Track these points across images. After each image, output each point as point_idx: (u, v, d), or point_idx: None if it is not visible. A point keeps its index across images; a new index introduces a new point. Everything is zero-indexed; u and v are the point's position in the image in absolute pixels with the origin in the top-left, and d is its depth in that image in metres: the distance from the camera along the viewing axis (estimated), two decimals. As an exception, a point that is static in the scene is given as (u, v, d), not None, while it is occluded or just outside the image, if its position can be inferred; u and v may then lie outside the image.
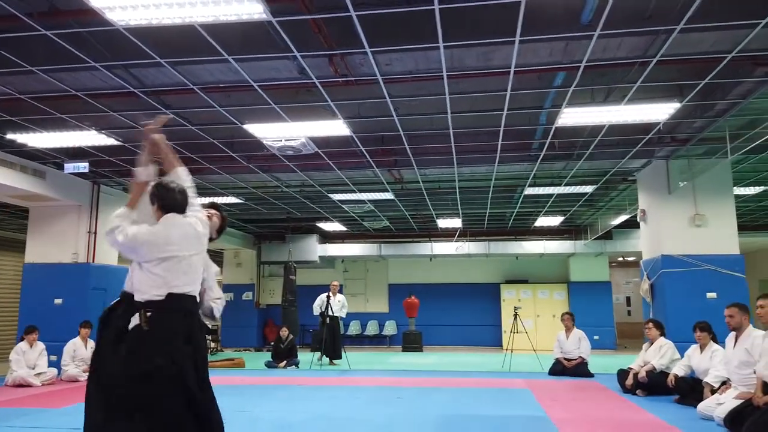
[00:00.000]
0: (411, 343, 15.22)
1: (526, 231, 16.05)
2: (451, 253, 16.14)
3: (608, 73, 5.62)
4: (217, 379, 7.96)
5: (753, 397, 4.52)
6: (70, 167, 8.20)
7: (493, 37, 4.64)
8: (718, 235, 8.23)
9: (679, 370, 6.37)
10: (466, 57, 5.11)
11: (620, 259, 19.05)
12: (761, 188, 10.53)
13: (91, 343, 8.84)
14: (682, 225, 8.34)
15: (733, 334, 5.28)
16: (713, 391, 5.61)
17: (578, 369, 8.71)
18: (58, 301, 9.31)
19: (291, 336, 11.02)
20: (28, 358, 7.95)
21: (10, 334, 13.37)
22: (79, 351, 8.58)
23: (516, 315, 10.73)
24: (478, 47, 4.88)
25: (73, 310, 9.21)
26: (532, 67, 5.26)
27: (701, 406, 5.32)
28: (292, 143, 7.40)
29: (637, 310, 19.72)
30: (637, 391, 6.73)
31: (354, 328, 17.78)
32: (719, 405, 5.03)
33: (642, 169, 9.13)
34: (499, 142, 7.58)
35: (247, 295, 17.61)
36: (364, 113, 6.60)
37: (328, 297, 10.85)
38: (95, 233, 9.61)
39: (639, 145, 7.76)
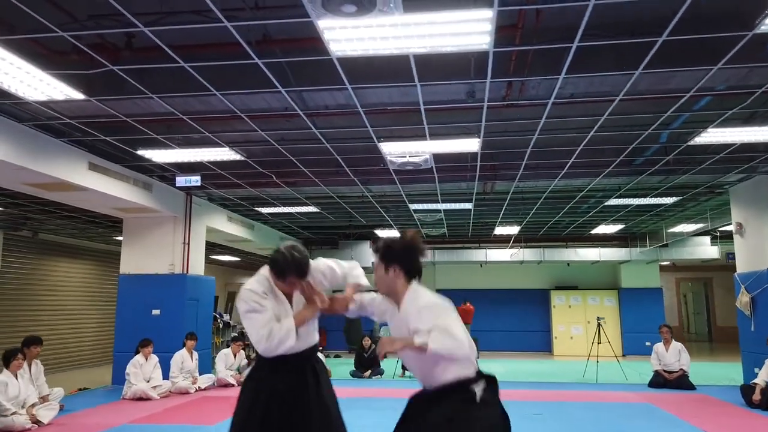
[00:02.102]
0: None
1: (578, 238, 16.15)
2: (504, 260, 16.22)
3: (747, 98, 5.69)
4: None
5: None
6: (182, 180, 8.22)
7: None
8: (823, 249, 8.33)
9: (819, 387, 6.46)
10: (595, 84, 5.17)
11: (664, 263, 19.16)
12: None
13: (196, 355, 8.90)
14: (787, 239, 8.43)
15: None
16: None
17: (680, 381, 8.80)
18: (155, 312, 9.34)
19: (374, 346, 11.06)
20: (145, 371, 7.98)
21: (93, 341, 13.44)
22: (187, 363, 8.62)
23: (599, 325, 10.81)
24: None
25: (170, 320, 9.25)
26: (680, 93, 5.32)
27: None
28: (415, 159, 7.45)
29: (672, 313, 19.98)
30: (768, 407, 6.83)
31: (402, 334, 17.81)
32: None
33: (738, 183, 9.21)
34: (615, 158, 7.64)
35: (296, 300, 17.64)
36: (503, 131, 6.64)
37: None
38: (188, 244, 9.64)
39: (756, 161, 7.83)
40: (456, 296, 15.60)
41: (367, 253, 16.05)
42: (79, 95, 5.16)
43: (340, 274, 2.96)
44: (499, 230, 14.74)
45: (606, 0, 3.65)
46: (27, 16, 3.91)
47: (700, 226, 13.64)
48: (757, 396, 6.99)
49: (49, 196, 7.65)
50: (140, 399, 7.70)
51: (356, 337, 15.06)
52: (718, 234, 14.96)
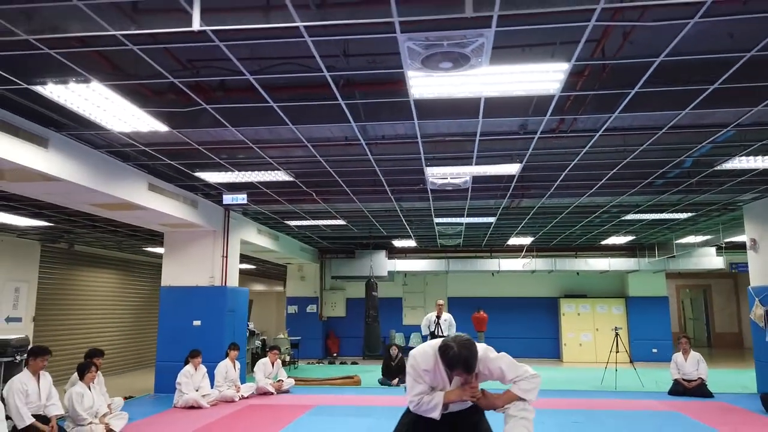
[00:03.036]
0: (480, 356, 15.77)
1: (589, 248, 16.65)
2: (516, 269, 16.69)
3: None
4: (362, 399, 8.49)
5: None
6: (228, 199, 8.60)
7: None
8: (834, 265, 8.84)
9: (837, 397, 6.94)
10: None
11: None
12: None
13: (239, 364, 9.28)
14: (801, 256, 8.94)
15: None
16: None
17: (699, 389, 9.28)
18: (196, 322, 9.70)
19: (400, 354, 11.47)
20: (195, 381, 8.35)
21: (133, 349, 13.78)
22: (230, 372, 9.00)
23: (617, 335, 11.28)
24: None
25: (211, 331, 9.63)
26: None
27: None
28: (455, 180, 7.89)
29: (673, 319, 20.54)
30: (789, 415, 7.31)
31: (415, 340, 18.21)
32: None
33: (752, 201, 9.72)
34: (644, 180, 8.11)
35: (312, 308, 18.04)
36: (546, 156, 7.07)
37: (438, 317, 11.31)
38: (227, 257, 10.02)
39: (772, 184, 8.33)
40: (469, 304, 16.11)
41: (383, 262, 16.49)
42: (164, 128, 5.56)
43: (508, 379, 3.29)
44: (513, 240, 15.22)
45: (674, 58, 4.10)
46: (143, 64, 4.32)
47: (708, 238, 14.19)
48: (776, 404, 7.48)
49: (107, 214, 8.01)
50: (191, 407, 8.06)
51: (375, 345, 15.47)
52: (724, 245, 15.53)
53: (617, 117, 5.46)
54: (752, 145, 6.47)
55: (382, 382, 11.04)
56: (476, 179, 8.03)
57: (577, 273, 17.54)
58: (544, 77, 4.44)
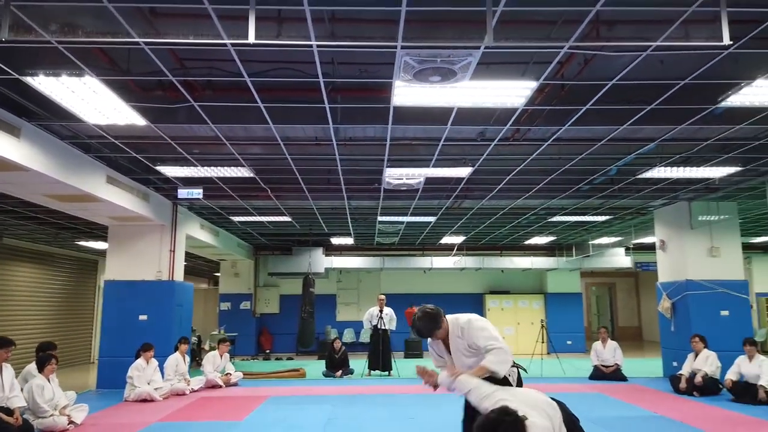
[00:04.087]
0: (413, 349, 16.47)
1: (513, 247, 17.80)
2: (447, 267, 17.53)
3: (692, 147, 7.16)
4: (312, 390, 8.78)
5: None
6: (183, 193, 8.63)
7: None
8: (728, 263, 10.18)
9: (732, 375, 8.09)
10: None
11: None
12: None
13: (188, 358, 9.31)
14: (702, 255, 10.22)
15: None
16: (767, 392, 7.38)
17: (615, 374, 10.37)
18: (142, 317, 9.60)
19: (344, 347, 11.84)
20: (147, 374, 8.32)
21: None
22: (180, 366, 9.02)
23: (543, 327, 12.28)
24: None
25: (159, 325, 9.57)
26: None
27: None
28: (411, 181, 8.39)
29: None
30: (693, 393, 8.41)
31: (348, 336, 18.64)
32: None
33: (662, 206, 10.96)
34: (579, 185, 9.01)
35: (245, 305, 18.00)
36: (496, 161, 7.73)
37: (380, 311, 11.78)
38: (174, 251, 9.98)
39: (680, 192, 9.49)
40: (401, 300, 16.75)
41: (321, 259, 16.77)
42: (143, 122, 5.65)
43: (481, 348, 3.63)
44: (445, 239, 16.02)
45: (623, 82, 4.81)
46: (141, 61, 4.47)
47: (619, 239, 15.65)
48: (683, 384, 8.58)
49: (57, 205, 7.83)
50: (144, 401, 8.05)
51: (309, 341, 15.70)
52: (632, 246, 17.15)
53: (566, 129, 6.17)
54: (671, 158, 7.45)
55: (325, 375, 11.36)
56: (428, 180, 8.57)
57: (502, 271, 18.67)
58: (513, 93, 5.02)
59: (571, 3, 3.70)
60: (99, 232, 10.96)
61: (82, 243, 13.18)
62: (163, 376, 8.74)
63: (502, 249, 17.98)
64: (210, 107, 5.45)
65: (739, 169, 7.90)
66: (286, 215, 11.79)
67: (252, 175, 8.10)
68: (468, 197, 9.99)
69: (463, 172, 7.97)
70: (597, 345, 10.82)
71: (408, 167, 7.70)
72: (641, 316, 25.19)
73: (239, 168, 7.71)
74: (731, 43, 3.75)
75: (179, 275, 10.28)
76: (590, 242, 15.99)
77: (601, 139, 6.54)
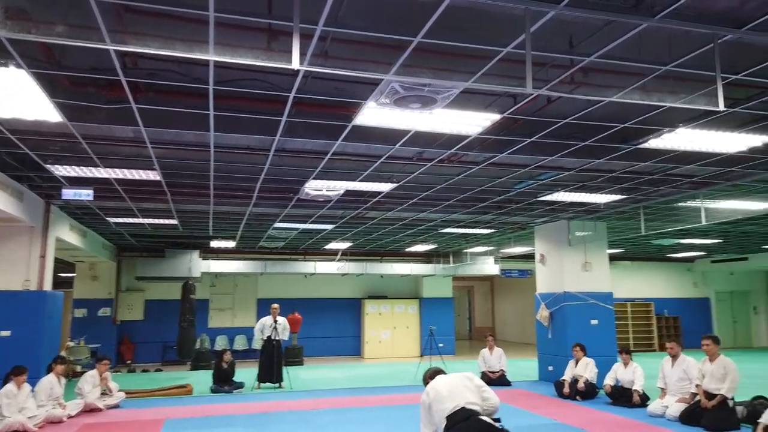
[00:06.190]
0: (293, 357, 16.11)
1: (393, 253, 18.25)
2: (330, 272, 17.45)
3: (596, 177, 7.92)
4: (209, 409, 8.28)
5: (702, 402, 7.18)
6: (69, 194, 7.58)
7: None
8: (598, 277, 11.39)
9: (610, 381, 9.04)
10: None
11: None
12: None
13: (64, 380, 8.22)
14: (577, 269, 11.31)
15: (668, 358, 8.05)
16: (640, 396, 8.39)
17: (500, 379, 11.07)
18: (4, 333, 8.26)
19: (233, 360, 11.21)
20: (18, 401, 7.16)
21: None
22: (56, 389, 7.91)
23: (431, 333, 12.73)
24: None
25: (25, 343, 8.30)
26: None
27: (651, 408, 7.95)
28: (330, 193, 8.21)
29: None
30: (576, 397, 9.26)
31: (221, 343, 17.73)
32: (665, 407, 7.69)
33: (542, 223, 11.94)
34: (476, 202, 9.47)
35: (105, 311, 16.32)
36: (421, 179, 7.83)
37: (275, 321, 11.34)
38: (45, 257, 8.74)
39: (560, 213, 10.42)
40: (281, 305, 16.44)
41: (198, 262, 15.72)
42: (58, 118, 4.86)
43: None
44: (332, 245, 15.93)
45: (572, 120, 5.14)
46: (91, 56, 3.85)
47: (492, 248, 16.77)
48: (566, 389, 9.43)
49: None
50: (16, 433, 6.93)
51: (190, 350, 14.68)
52: (500, 256, 18.49)
53: (503, 156, 6.45)
54: (573, 185, 8.13)
55: (214, 390, 10.66)
56: (347, 192, 8.45)
57: (382, 276, 19.03)
58: (474, 122, 5.13)
59: (562, 51, 3.87)
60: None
61: None
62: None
63: (383, 255, 18.34)
64: (147, 110, 4.84)
65: (623, 197, 8.88)
66: (173, 218, 10.89)
67: (158, 178, 7.36)
68: (376, 209, 10.02)
69: (386, 187, 7.98)
70: (485, 352, 11.46)
71: (333, 180, 7.52)
72: (495, 318, 27.28)
73: (148, 171, 6.96)
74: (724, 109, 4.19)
75: (48, 284, 9.01)
76: (466, 251, 16.92)
77: (528, 165, 6.94)
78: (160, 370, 15.09)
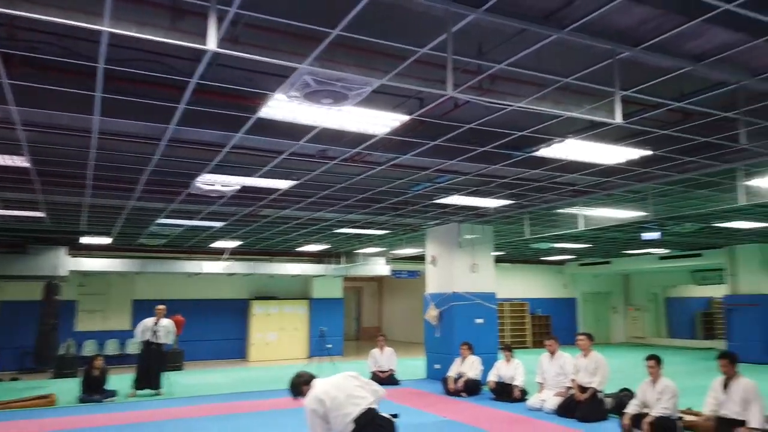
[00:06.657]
0: (172, 361, 15.20)
1: (283, 253, 17.88)
2: (216, 272, 16.70)
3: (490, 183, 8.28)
4: (75, 421, 7.72)
5: (576, 395, 7.74)
6: None
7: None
8: (484, 278, 11.92)
9: (493, 377, 9.47)
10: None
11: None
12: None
13: None
14: (465, 270, 11.75)
15: (547, 354, 8.59)
16: (520, 391, 8.90)
17: (389, 379, 11.22)
18: None
19: (105, 366, 10.30)
20: None
21: None
22: None
23: (322, 334, 12.61)
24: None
25: None
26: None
27: (530, 402, 8.44)
28: (224, 188, 7.83)
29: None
30: (461, 393, 9.61)
31: (90, 348, 16.31)
32: (543, 401, 8.21)
33: (434, 226, 12.29)
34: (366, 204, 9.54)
35: (-51, 314, 14.39)
36: (319, 177, 7.69)
37: (156, 323, 10.60)
38: None
39: (451, 216, 10.80)
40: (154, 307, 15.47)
41: (65, 260, 14.31)
42: None
43: None
44: (218, 243, 15.25)
45: (473, 126, 5.29)
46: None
47: (383, 249, 16.99)
48: (451, 386, 9.76)
49: None
50: None
51: (51, 357, 13.31)
52: (391, 257, 18.80)
53: (406, 158, 6.51)
54: (467, 189, 8.42)
55: (83, 399, 9.71)
56: (243, 189, 8.09)
57: (271, 276, 18.55)
58: (381, 122, 5.12)
59: (480, 57, 3.96)
60: None
61: None
62: None
63: (273, 255, 17.89)
64: (22, 87, 4.27)
65: (511, 202, 9.37)
66: (39, 211, 9.81)
67: (27, 165, 6.57)
68: (271, 206, 9.72)
69: (285, 184, 7.76)
70: (375, 352, 11.55)
71: (229, 174, 7.16)
72: (383, 318, 27.74)
73: (14, 156, 6.19)
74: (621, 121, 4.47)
75: None
76: (358, 251, 16.98)
77: (428, 168, 7.08)
78: (16, 379, 13.57)
